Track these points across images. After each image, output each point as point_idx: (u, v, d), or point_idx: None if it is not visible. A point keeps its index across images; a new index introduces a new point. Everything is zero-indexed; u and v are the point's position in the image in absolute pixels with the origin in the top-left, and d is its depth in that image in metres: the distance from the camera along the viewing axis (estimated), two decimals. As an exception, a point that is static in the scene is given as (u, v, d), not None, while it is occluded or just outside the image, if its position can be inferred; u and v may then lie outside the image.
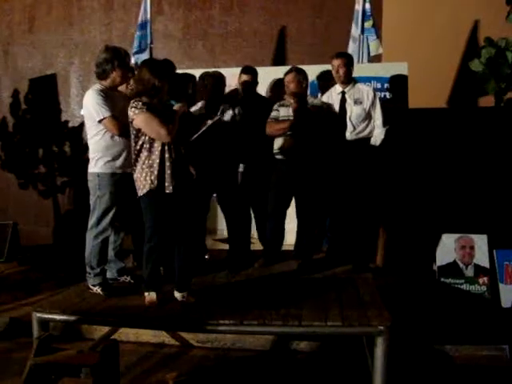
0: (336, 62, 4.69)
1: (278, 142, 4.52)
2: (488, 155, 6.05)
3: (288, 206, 4.63)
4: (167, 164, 3.51)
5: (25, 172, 7.59)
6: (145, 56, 6.57)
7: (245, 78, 4.84)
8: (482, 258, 5.05)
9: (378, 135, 4.67)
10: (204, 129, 4.09)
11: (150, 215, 3.58)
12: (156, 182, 3.49)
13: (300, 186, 4.51)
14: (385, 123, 4.67)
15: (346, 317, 3.25)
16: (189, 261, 3.70)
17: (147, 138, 3.50)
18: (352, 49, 5.97)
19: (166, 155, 3.50)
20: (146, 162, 3.51)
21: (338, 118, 4.67)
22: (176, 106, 3.68)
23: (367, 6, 5.99)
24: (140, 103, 3.48)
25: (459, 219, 5.81)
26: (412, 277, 5.19)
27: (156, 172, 3.49)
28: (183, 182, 3.59)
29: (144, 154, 3.51)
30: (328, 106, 4.69)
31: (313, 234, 4.72)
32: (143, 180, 3.52)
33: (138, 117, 3.46)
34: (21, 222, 7.26)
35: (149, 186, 3.50)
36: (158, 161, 3.49)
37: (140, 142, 3.51)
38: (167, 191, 3.51)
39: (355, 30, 6.01)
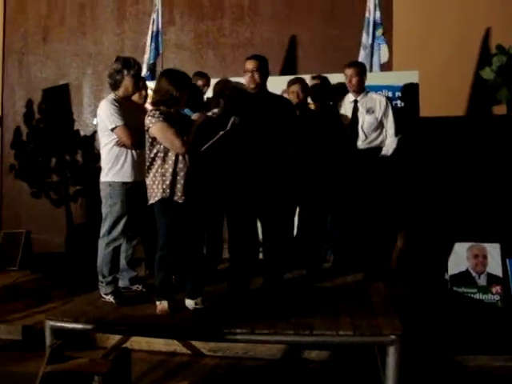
0: (349, 72, 4.70)
1: None
2: (501, 164, 6.01)
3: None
4: (181, 174, 3.53)
5: (38, 181, 7.65)
6: (157, 66, 6.64)
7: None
8: (494, 266, 5.02)
9: (389, 144, 4.66)
10: (214, 139, 4.09)
11: (162, 224, 3.60)
12: (168, 190, 3.52)
13: (306, 197, 4.50)
14: (397, 132, 4.67)
15: (358, 326, 3.24)
16: (200, 269, 3.71)
17: (162, 146, 3.53)
18: (363, 57, 5.97)
19: (180, 165, 3.53)
20: (159, 170, 3.54)
21: (349, 126, 4.68)
22: (194, 116, 3.70)
23: (377, 14, 6.00)
24: (157, 112, 3.52)
25: (472, 228, 5.78)
26: (424, 286, 5.16)
27: (168, 181, 3.51)
28: (196, 192, 3.61)
29: (158, 162, 3.54)
30: (336, 114, 4.70)
31: (320, 243, 4.73)
32: (155, 188, 3.55)
33: (154, 125, 3.50)
34: (33, 230, 7.33)
35: (160, 195, 3.54)
36: (171, 170, 3.52)
37: (154, 151, 3.55)
38: (180, 201, 3.53)
39: (366, 39, 6.02)
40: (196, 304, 3.65)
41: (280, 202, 4.08)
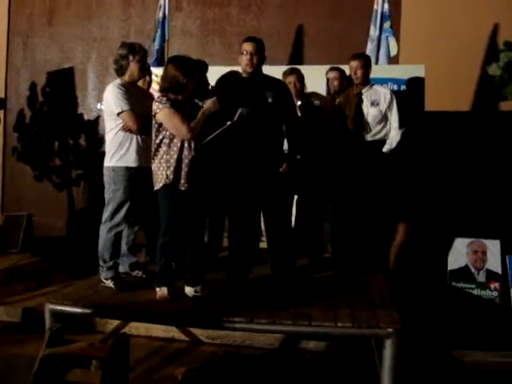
0: (354, 64, 4.68)
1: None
2: (504, 160, 6.00)
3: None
4: (185, 161, 3.53)
5: (40, 164, 7.65)
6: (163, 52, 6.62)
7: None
8: (494, 263, 5.03)
9: (393, 137, 4.66)
10: (221, 130, 4.06)
11: (164, 210, 3.61)
12: (172, 177, 3.52)
13: (306, 186, 4.48)
14: (401, 125, 4.66)
15: (356, 318, 3.25)
16: (201, 256, 3.72)
17: (168, 133, 3.53)
18: (370, 50, 5.95)
19: (185, 152, 3.53)
20: (165, 156, 3.54)
21: (353, 118, 4.67)
22: (208, 103, 3.63)
23: (386, 6, 5.97)
24: (164, 98, 3.52)
25: (472, 224, 5.78)
26: (423, 280, 5.17)
27: (172, 168, 3.52)
28: (200, 181, 3.61)
29: (163, 148, 3.55)
30: (338, 107, 4.69)
31: (321, 234, 4.74)
32: (160, 174, 3.56)
33: (160, 111, 3.50)
34: (35, 213, 7.34)
35: (164, 181, 3.54)
36: (175, 156, 3.52)
37: (160, 137, 3.55)
38: (182, 188, 3.54)
39: (373, 31, 5.99)
40: (196, 291, 3.66)
41: (281, 190, 4.03)
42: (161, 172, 3.56)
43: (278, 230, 4.04)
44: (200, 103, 3.72)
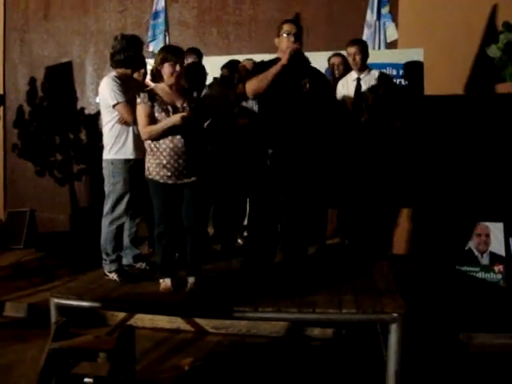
0: (351, 50, 4.66)
1: None
2: (505, 143, 5.98)
3: None
4: (156, 154, 3.54)
5: (41, 159, 7.65)
6: (159, 44, 6.59)
7: None
8: (497, 246, 5.03)
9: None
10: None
11: (155, 201, 3.65)
12: (151, 169, 3.56)
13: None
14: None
15: (361, 304, 3.26)
16: (202, 246, 3.72)
17: None
18: (367, 35, 5.91)
19: (170, 145, 3.51)
20: (153, 146, 3.55)
21: (352, 104, 4.66)
22: (175, 116, 3.52)
23: (384, -9, 5.92)
24: (144, 94, 3.55)
25: (475, 207, 5.77)
26: (427, 264, 5.17)
27: (148, 161, 3.58)
28: (194, 171, 3.60)
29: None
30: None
31: (324, 220, 4.73)
32: (149, 165, 3.59)
33: (138, 105, 3.56)
34: (38, 209, 7.35)
35: (146, 173, 3.60)
36: (149, 150, 3.58)
37: None
38: (161, 180, 3.55)
39: (370, 16, 5.95)
40: (197, 281, 3.66)
41: (306, 178, 3.87)
42: (149, 162, 3.59)
43: (296, 218, 3.86)
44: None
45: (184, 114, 3.46)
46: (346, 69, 4.89)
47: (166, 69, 3.53)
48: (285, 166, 3.74)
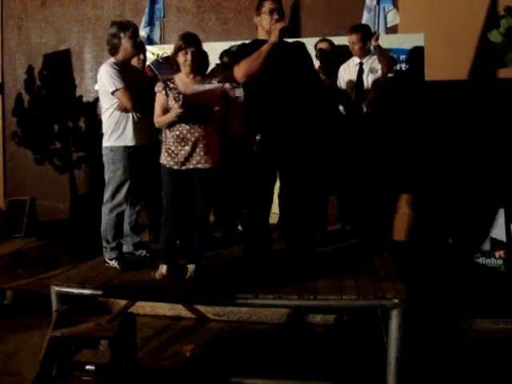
0: (352, 38, 4.63)
1: None
2: (506, 129, 5.95)
3: None
4: (171, 141, 3.58)
5: (41, 148, 7.63)
6: (157, 30, 6.56)
7: None
8: (498, 231, 5.02)
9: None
10: None
11: (163, 186, 3.68)
12: (166, 154, 3.60)
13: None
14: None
15: (361, 290, 3.26)
16: (203, 234, 3.72)
17: None
18: (366, 19, 5.86)
19: (177, 132, 3.54)
20: (163, 133, 3.63)
21: (354, 88, 4.63)
22: (172, 112, 3.53)
23: (384, -25, 5.86)
24: (159, 83, 3.62)
25: (476, 193, 5.76)
26: (427, 250, 5.18)
27: (163, 147, 3.62)
28: (201, 159, 3.59)
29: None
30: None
31: (325, 207, 4.72)
32: (162, 151, 3.63)
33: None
34: (38, 197, 7.33)
35: (161, 159, 3.63)
36: (164, 136, 3.63)
37: None
38: (175, 167, 3.57)
39: (370, 0, 5.89)
40: (198, 268, 3.66)
41: (305, 162, 3.81)
42: (163, 148, 3.61)
43: (295, 205, 3.81)
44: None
45: (179, 111, 3.46)
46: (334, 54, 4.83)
47: (180, 58, 3.54)
48: (274, 151, 3.68)
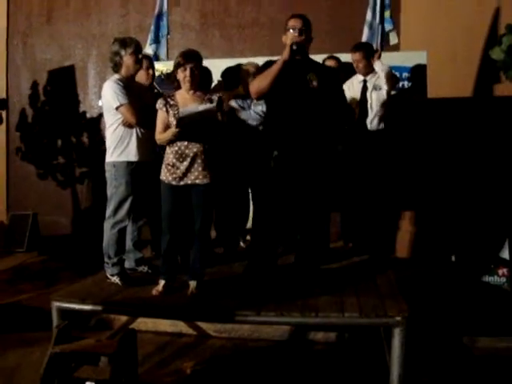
0: (355, 56, 4.67)
1: None
2: (508, 145, 5.96)
3: None
4: (170, 157, 3.60)
5: (44, 163, 7.65)
6: (163, 47, 6.59)
7: None
8: (502, 249, 4.99)
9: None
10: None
11: (162, 201, 3.69)
12: (165, 170, 3.63)
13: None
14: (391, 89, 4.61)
15: (364, 307, 3.25)
16: (204, 250, 3.71)
17: None
18: (367, 35, 5.87)
19: (175, 148, 3.57)
20: (166, 149, 3.63)
21: (358, 106, 4.65)
22: (169, 131, 3.56)
23: (386, -7, 5.89)
24: (160, 100, 3.66)
25: (478, 210, 5.75)
26: (430, 267, 5.15)
27: (167, 161, 3.63)
28: (200, 174, 3.59)
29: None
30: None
31: (327, 224, 4.70)
32: (163, 166, 3.65)
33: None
34: (40, 212, 7.34)
35: (160, 175, 3.65)
36: (168, 151, 3.62)
37: None
38: (173, 183, 3.58)
39: (370, 16, 5.89)
40: (199, 285, 3.64)
41: (322, 181, 3.79)
42: (163, 164, 3.63)
43: (313, 223, 3.80)
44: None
45: (175, 130, 3.47)
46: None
47: (179, 74, 3.56)
48: (290, 168, 3.67)
